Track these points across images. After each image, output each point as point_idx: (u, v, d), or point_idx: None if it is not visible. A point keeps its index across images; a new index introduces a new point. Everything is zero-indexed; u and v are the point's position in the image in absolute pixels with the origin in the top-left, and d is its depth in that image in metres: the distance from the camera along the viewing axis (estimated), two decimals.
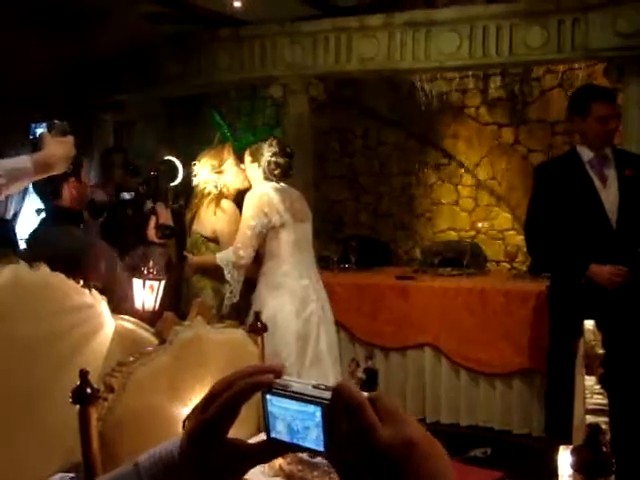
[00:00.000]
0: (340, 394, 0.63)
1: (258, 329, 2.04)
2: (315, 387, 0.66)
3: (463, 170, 5.88)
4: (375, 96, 6.12)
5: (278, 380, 0.68)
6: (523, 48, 4.70)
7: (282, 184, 3.33)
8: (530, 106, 5.67)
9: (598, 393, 1.30)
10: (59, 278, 1.84)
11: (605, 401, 1.27)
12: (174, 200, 3.14)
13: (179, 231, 3.19)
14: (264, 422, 0.68)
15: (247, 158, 3.35)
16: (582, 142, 3.01)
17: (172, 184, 3.13)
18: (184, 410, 1.63)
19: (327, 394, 0.65)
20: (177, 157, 3.27)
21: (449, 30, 4.92)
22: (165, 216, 2.92)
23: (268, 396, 0.68)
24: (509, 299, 3.92)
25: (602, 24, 4.45)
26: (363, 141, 6.24)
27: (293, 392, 0.66)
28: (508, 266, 4.87)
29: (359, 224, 6.21)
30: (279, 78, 5.52)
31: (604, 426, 1.21)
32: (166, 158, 3.23)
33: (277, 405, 0.67)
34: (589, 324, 1.45)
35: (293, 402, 0.66)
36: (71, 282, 1.89)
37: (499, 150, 5.78)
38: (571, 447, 1.31)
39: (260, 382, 0.68)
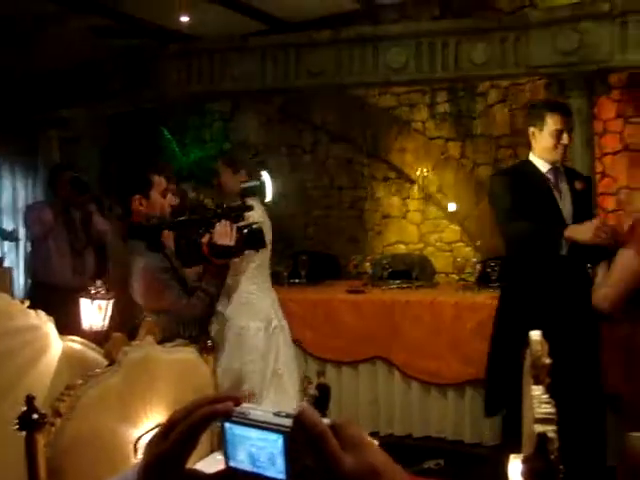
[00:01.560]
0: (301, 422, 0.62)
1: (208, 348, 2.02)
2: (276, 414, 0.64)
3: (411, 184, 5.96)
4: (324, 111, 6.17)
5: (237, 408, 0.66)
6: (468, 64, 4.80)
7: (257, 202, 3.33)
8: (475, 121, 5.80)
9: (546, 402, 1.32)
10: (2, 300, 1.79)
11: (553, 410, 1.29)
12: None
13: None
14: (224, 451, 0.67)
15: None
16: (537, 154, 3.04)
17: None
18: (135, 432, 1.59)
19: (288, 422, 0.63)
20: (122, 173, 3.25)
21: (396, 45, 5.00)
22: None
23: (227, 424, 0.66)
24: (458, 310, 3.97)
25: (543, 42, 4.58)
26: (312, 155, 6.27)
27: (253, 420, 0.64)
28: (457, 277, 4.93)
29: (309, 239, 6.23)
30: (227, 93, 5.52)
31: (552, 435, 1.23)
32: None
33: (237, 434, 0.65)
34: (535, 334, 1.48)
35: (254, 430, 0.64)
36: (16, 303, 1.84)
37: (446, 164, 5.88)
38: (521, 456, 1.34)
39: (218, 411, 0.66)
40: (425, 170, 5.84)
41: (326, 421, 0.64)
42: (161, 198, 2.73)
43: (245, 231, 2.72)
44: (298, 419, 0.62)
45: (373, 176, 6.04)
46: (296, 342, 4.14)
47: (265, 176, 3.04)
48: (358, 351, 4.20)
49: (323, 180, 6.30)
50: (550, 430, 1.24)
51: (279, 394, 3.22)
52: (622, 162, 5.24)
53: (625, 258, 2.68)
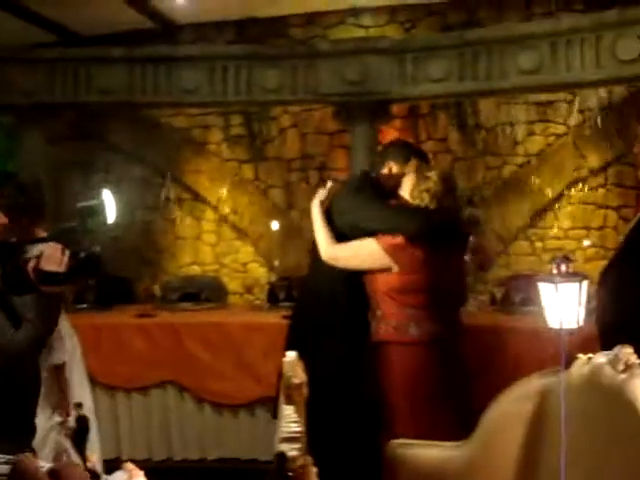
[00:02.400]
0: (17, 471, 0.61)
1: None
2: None
3: (206, 205, 5.97)
4: (118, 129, 6.00)
5: None
6: (260, 89, 4.91)
7: None
8: (269, 144, 5.93)
9: (294, 422, 1.37)
10: None
11: (300, 429, 1.34)
12: None
13: None
14: None
15: None
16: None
17: None
18: None
19: (6, 468, 0.61)
20: None
21: (190, 67, 4.99)
22: None
23: None
24: (247, 330, 4.04)
25: (330, 71, 4.81)
26: (106, 175, 6.06)
27: None
28: (251, 297, 5.01)
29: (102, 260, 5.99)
30: (12, 107, 5.18)
31: (296, 452, 1.28)
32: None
33: None
34: (289, 356, 1.53)
35: None
36: None
37: (240, 185, 5.96)
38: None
39: None
40: (220, 191, 5.89)
41: (46, 466, 0.62)
42: None
43: (82, 255, 2.34)
44: (15, 468, 0.61)
45: (167, 197, 5.97)
46: None
47: (106, 194, 2.69)
48: (148, 376, 4.12)
49: (116, 201, 6.09)
50: (294, 449, 1.29)
51: None
52: None
53: None
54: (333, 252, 2.97)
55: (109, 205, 2.62)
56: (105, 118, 5.88)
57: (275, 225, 5.55)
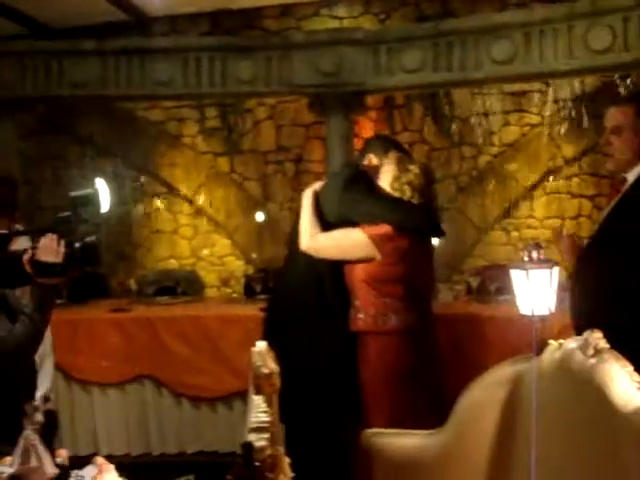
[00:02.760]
0: None
1: None
2: None
3: (182, 198, 5.93)
4: (91, 123, 5.93)
5: None
6: (234, 81, 4.87)
7: None
8: (244, 136, 5.90)
9: (263, 412, 1.36)
10: None
11: (268, 419, 1.33)
12: None
13: None
14: None
15: None
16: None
17: None
18: None
19: None
20: None
21: (163, 59, 4.94)
22: None
23: None
24: (224, 323, 4.03)
25: (305, 62, 4.79)
26: (79, 170, 6.00)
27: None
28: (229, 290, 4.99)
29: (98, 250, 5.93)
30: None
31: (264, 442, 1.27)
32: None
33: None
34: (259, 345, 1.52)
35: None
36: None
37: (216, 178, 5.92)
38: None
39: None
40: (195, 184, 5.85)
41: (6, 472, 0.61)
42: None
43: (77, 245, 2.34)
44: None
45: (143, 191, 5.92)
46: (58, 367, 3.95)
47: (99, 183, 2.63)
48: (124, 371, 4.10)
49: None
50: (262, 438, 1.28)
51: None
52: None
53: None
54: (314, 242, 2.96)
55: (103, 194, 2.58)
56: (78, 112, 5.81)
57: (260, 216, 5.53)
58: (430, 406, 2.82)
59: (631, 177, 2.58)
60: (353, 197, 2.96)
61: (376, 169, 3.05)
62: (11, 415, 2.35)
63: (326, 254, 2.96)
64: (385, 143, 3.20)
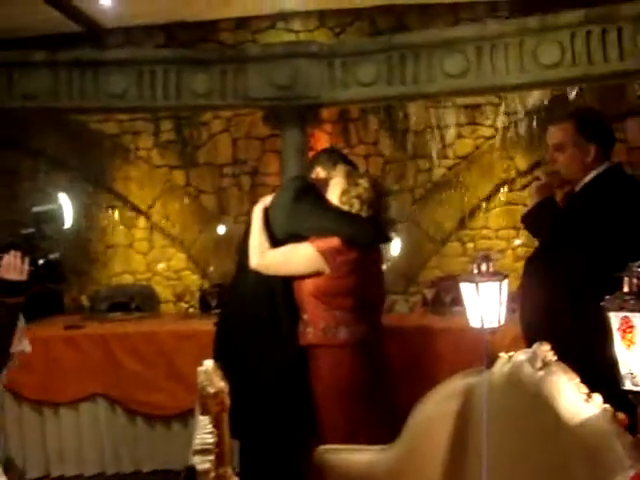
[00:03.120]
0: None
1: None
2: None
3: (137, 212, 5.85)
4: (44, 136, 5.83)
5: None
6: (189, 94, 4.83)
7: None
8: (200, 149, 5.86)
9: (208, 432, 1.34)
10: None
11: (212, 440, 1.31)
12: None
13: None
14: None
15: None
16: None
17: None
18: None
19: None
20: None
21: (117, 72, 4.88)
22: None
23: None
24: (178, 339, 3.98)
25: (260, 75, 4.76)
26: (32, 184, 5.89)
27: None
28: (185, 305, 4.93)
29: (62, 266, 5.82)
30: None
31: (208, 465, 1.25)
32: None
33: None
34: (206, 364, 1.50)
35: None
36: None
37: (171, 192, 5.86)
38: None
39: None
40: (150, 198, 5.79)
41: None
42: None
43: (41, 262, 2.33)
44: None
45: (97, 205, 5.83)
46: (7, 388, 3.85)
47: (63, 199, 2.57)
48: (77, 390, 4.02)
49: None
50: (206, 460, 1.26)
51: None
52: None
53: None
54: (264, 260, 2.94)
55: (66, 209, 2.53)
56: (30, 124, 5.70)
57: (222, 229, 5.48)
58: (383, 419, 2.82)
59: (578, 188, 2.63)
60: (302, 210, 2.95)
61: (325, 182, 3.05)
62: None
63: (276, 271, 2.95)
64: (333, 156, 3.21)
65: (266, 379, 2.90)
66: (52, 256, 2.38)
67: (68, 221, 2.57)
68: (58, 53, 4.93)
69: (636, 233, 2.44)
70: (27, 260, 2.27)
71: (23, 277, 2.26)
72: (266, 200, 3.07)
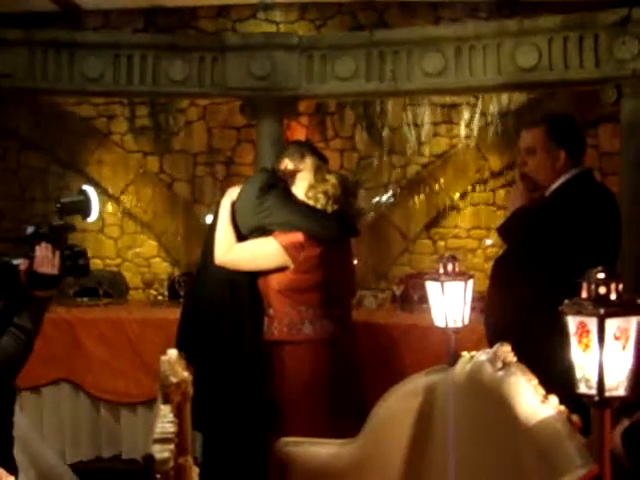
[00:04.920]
0: None
1: None
2: None
3: (109, 197, 5.80)
4: (16, 116, 5.74)
5: None
6: (166, 80, 4.80)
7: None
8: (175, 136, 5.82)
9: (169, 421, 1.34)
10: None
11: (173, 429, 1.32)
12: None
13: None
14: None
15: None
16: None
17: None
18: None
19: None
20: None
21: (93, 55, 4.82)
22: None
23: None
24: (145, 327, 3.95)
25: (238, 65, 4.75)
26: (2, 163, 5.81)
27: None
28: (154, 293, 4.90)
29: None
30: None
31: (167, 454, 1.25)
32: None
33: None
34: (170, 353, 1.50)
35: None
36: None
37: (144, 178, 5.81)
38: None
39: None
40: (123, 183, 5.74)
41: None
42: None
43: (67, 252, 2.25)
44: None
45: (68, 188, 5.76)
46: None
47: (89, 190, 2.43)
48: (41, 374, 3.95)
49: (14, 190, 5.86)
50: (166, 449, 1.26)
51: None
52: None
53: None
54: (229, 256, 2.93)
55: (93, 201, 2.42)
56: (2, 103, 5.62)
57: (209, 219, 5.42)
58: (353, 416, 2.81)
59: (547, 193, 2.66)
60: (266, 204, 2.93)
61: (292, 174, 3.04)
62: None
63: (241, 267, 2.94)
64: (303, 149, 3.15)
65: (228, 372, 2.90)
66: (77, 248, 2.32)
67: (94, 213, 2.46)
68: (34, 32, 4.87)
69: (599, 240, 2.48)
70: (58, 253, 2.21)
71: (55, 271, 2.19)
72: (233, 193, 3.05)
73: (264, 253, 2.89)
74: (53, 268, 2.19)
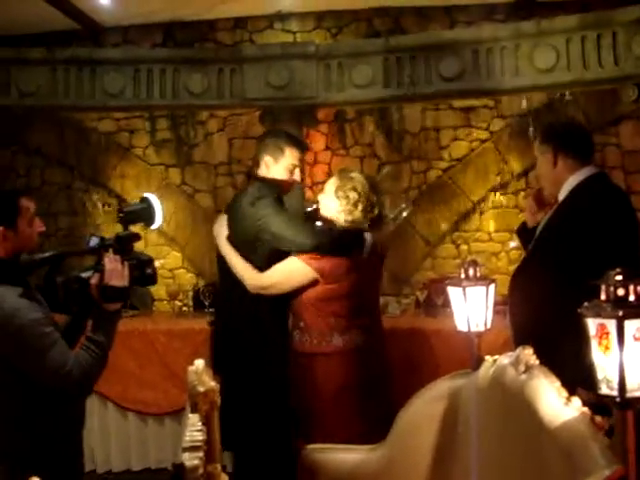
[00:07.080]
0: None
1: None
2: None
3: None
4: (40, 134, 5.85)
5: None
6: (186, 93, 4.85)
7: None
8: (195, 148, 5.88)
9: (197, 430, 1.36)
10: None
11: (202, 437, 1.34)
12: None
13: None
14: None
15: None
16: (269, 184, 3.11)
17: None
18: None
19: None
20: None
21: (114, 70, 4.89)
22: None
23: None
24: (172, 338, 4.00)
25: (256, 75, 4.78)
26: (27, 180, 5.91)
27: None
28: (180, 304, 4.94)
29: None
30: None
31: (197, 462, 1.27)
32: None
33: None
34: (197, 364, 1.52)
35: None
36: None
37: (167, 190, 5.88)
38: None
39: None
40: None
41: None
42: (29, 227, 2.19)
43: (133, 262, 2.19)
44: None
45: (92, 202, 5.85)
46: None
47: (151, 198, 2.36)
48: None
49: (39, 206, 5.93)
50: (196, 457, 1.29)
51: None
52: None
53: None
54: (260, 282, 2.95)
55: (156, 209, 2.35)
56: (26, 121, 5.72)
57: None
58: (382, 422, 2.81)
59: (561, 197, 2.66)
60: (262, 214, 2.95)
61: (318, 207, 3.06)
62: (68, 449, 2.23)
63: (278, 290, 2.96)
64: (279, 141, 3.10)
65: (257, 388, 2.92)
66: (144, 257, 2.24)
67: (158, 220, 2.38)
68: (55, 51, 4.95)
69: (613, 240, 2.47)
70: (126, 264, 2.14)
71: (125, 282, 2.12)
72: (223, 232, 3.06)
73: (294, 273, 2.92)
74: (123, 280, 2.13)
